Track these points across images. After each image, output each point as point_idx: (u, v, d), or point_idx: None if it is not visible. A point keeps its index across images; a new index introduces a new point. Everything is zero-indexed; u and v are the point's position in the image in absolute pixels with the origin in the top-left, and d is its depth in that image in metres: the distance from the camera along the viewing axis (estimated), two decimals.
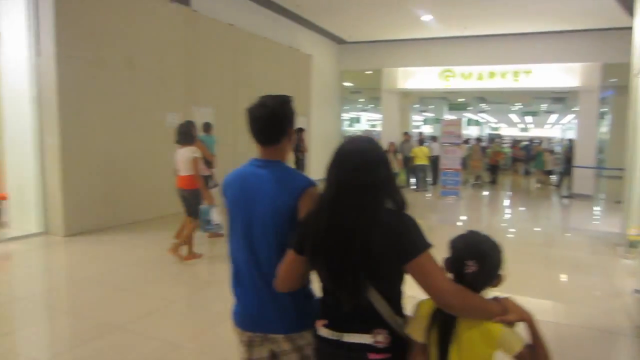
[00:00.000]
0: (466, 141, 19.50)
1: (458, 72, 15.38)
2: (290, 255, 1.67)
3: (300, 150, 11.93)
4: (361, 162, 1.57)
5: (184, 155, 5.79)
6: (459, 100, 22.46)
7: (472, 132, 30.71)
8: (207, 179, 6.62)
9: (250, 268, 1.83)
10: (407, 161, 14.37)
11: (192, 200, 5.90)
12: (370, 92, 20.24)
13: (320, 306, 1.71)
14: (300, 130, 12.08)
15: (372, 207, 1.54)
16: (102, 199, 7.58)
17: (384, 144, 13.33)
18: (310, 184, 1.80)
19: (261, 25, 11.91)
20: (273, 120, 1.81)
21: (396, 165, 13.17)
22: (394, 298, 1.61)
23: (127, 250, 6.58)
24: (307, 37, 14.39)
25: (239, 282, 1.90)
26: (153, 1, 8.50)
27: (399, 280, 1.60)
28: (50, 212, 7.13)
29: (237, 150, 10.26)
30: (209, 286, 5.38)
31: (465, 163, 15.33)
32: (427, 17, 12.63)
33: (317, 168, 12.72)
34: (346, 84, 18.47)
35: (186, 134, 5.87)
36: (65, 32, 6.92)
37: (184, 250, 5.99)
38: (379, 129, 19.21)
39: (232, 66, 10.64)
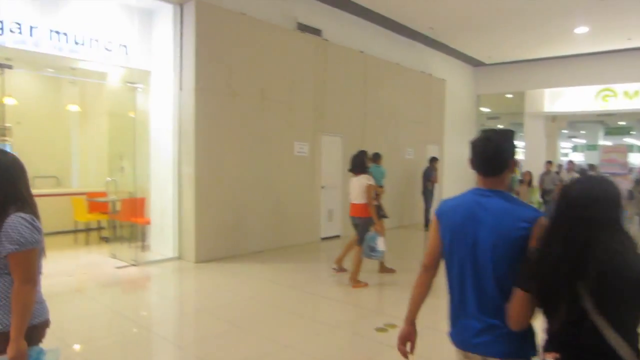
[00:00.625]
0: (630, 170, 16.65)
1: (620, 91, 13.25)
2: (520, 294, 1.71)
3: (430, 180, 11.11)
4: (603, 198, 1.59)
5: (358, 184, 6.01)
6: (620, 123, 19.50)
7: (636, 160, 26.47)
8: (378, 208, 6.37)
9: (472, 293, 1.88)
10: (546, 194, 12.39)
11: (363, 227, 6.01)
12: (510, 117, 18.62)
13: (549, 339, 1.70)
14: (434, 159, 11.30)
15: (624, 248, 1.53)
16: (231, 227, 7.70)
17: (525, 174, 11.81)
18: (540, 214, 1.82)
19: (392, 51, 11.55)
20: (497, 154, 1.90)
21: (526, 195, 11.42)
22: (632, 339, 1.53)
23: (265, 277, 6.47)
24: (441, 61, 13.66)
25: (458, 307, 1.96)
26: (286, 34, 8.64)
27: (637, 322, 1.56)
28: (183, 238, 7.41)
29: None
30: (373, 313, 5.08)
31: (632, 196, 12.94)
32: (581, 30, 11.08)
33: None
34: (483, 109, 17.16)
35: (360, 164, 6.13)
36: (204, 67, 7.26)
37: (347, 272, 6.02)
38: (520, 157, 17.36)
39: (362, 93, 10.38)
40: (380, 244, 5.87)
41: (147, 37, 7.73)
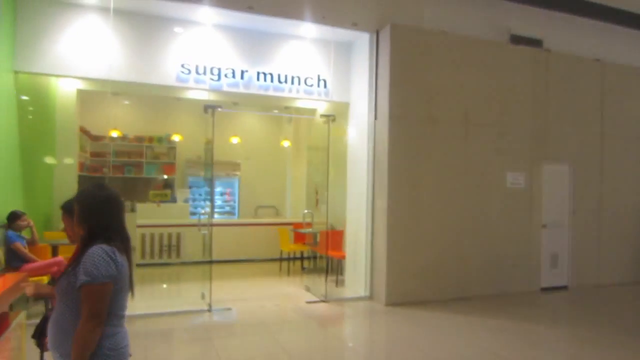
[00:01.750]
0: None
1: None
2: None
3: None
4: None
5: None
6: None
7: None
8: None
9: None
10: None
11: None
12: None
13: None
14: None
15: None
16: (428, 268, 6.86)
17: None
18: None
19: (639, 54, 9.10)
20: None
21: None
22: None
23: (468, 333, 5.49)
24: None
25: None
26: (495, 48, 7.53)
27: None
28: (375, 277, 6.90)
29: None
30: None
31: None
32: None
33: None
34: None
35: None
36: (399, 94, 6.78)
37: None
38: None
39: (596, 110, 8.35)
40: None
41: (345, 69, 7.71)
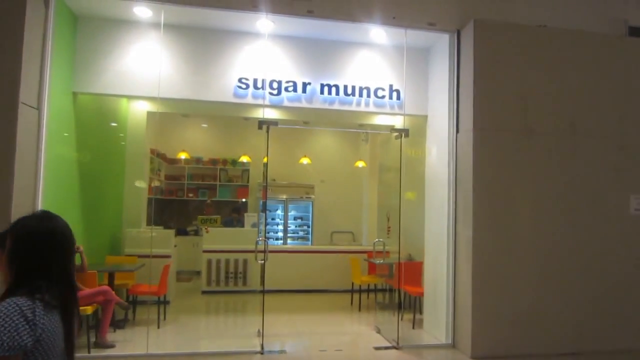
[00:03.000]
0: None
1: None
2: None
3: None
4: None
5: None
6: None
7: None
8: None
9: None
10: None
11: None
12: None
13: None
14: None
15: None
16: (525, 313, 5.55)
17: None
18: None
19: None
20: None
21: None
22: None
23: None
24: None
25: None
26: (609, 43, 6.12)
27: None
28: (459, 322, 5.73)
29: None
30: None
31: None
32: None
33: None
34: None
35: None
36: (486, 101, 5.67)
37: None
38: None
39: None
40: None
41: (421, 77, 6.75)
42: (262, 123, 5.74)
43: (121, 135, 8.09)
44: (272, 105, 6.47)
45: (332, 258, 9.21)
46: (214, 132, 11.55)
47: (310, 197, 10.97)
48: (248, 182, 11.15)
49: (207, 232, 8.41)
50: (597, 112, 5.96)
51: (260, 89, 6.30)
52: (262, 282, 5.89)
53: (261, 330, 5.55)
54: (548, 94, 5.85)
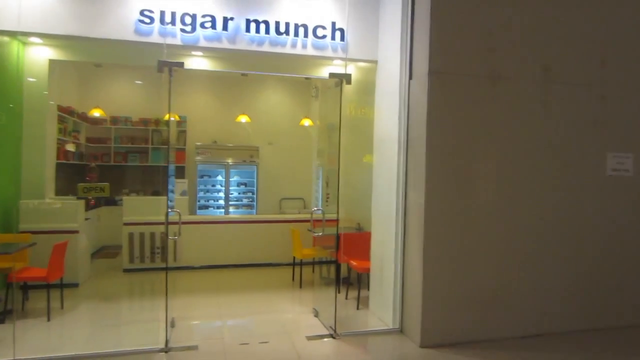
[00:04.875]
0: None
1: None
2: None
3: None
4: None
5: None
6: None
7: None
8: None
9: None
10: None
11: None
12: None
13: None
14: None
15: None
16: (486, 291, 4.71)
17: None
18: None
19: None
20: None
21: None
22: None
23: None
24: None
25: None
26: None
27: None
28: (407, 303, 4.84)
29: None
30: None
31: None
32: None
33: None
34: None
35: None
36: (444, 41, 4.59)
37: None
38: None
39: None
40: None
41: (370, 15, 5.62)
42: (162, 64, 4.52)
43: (15, 88, 6.68)
44: (185, 46, 5.22)
45: (279, 228, 8.20)
46: (142, 86, 10.11)
47: (254, 161, 9.84)
48: (185, 144, 9.90)
49: (92, 204, 7.33)
50: (574, 55, 4.99)
51: (170, 24, 5.06)
52: (166, 259, 4.82)
53: (172, 321, 4.52)
54: (518, 32, 4.82)
